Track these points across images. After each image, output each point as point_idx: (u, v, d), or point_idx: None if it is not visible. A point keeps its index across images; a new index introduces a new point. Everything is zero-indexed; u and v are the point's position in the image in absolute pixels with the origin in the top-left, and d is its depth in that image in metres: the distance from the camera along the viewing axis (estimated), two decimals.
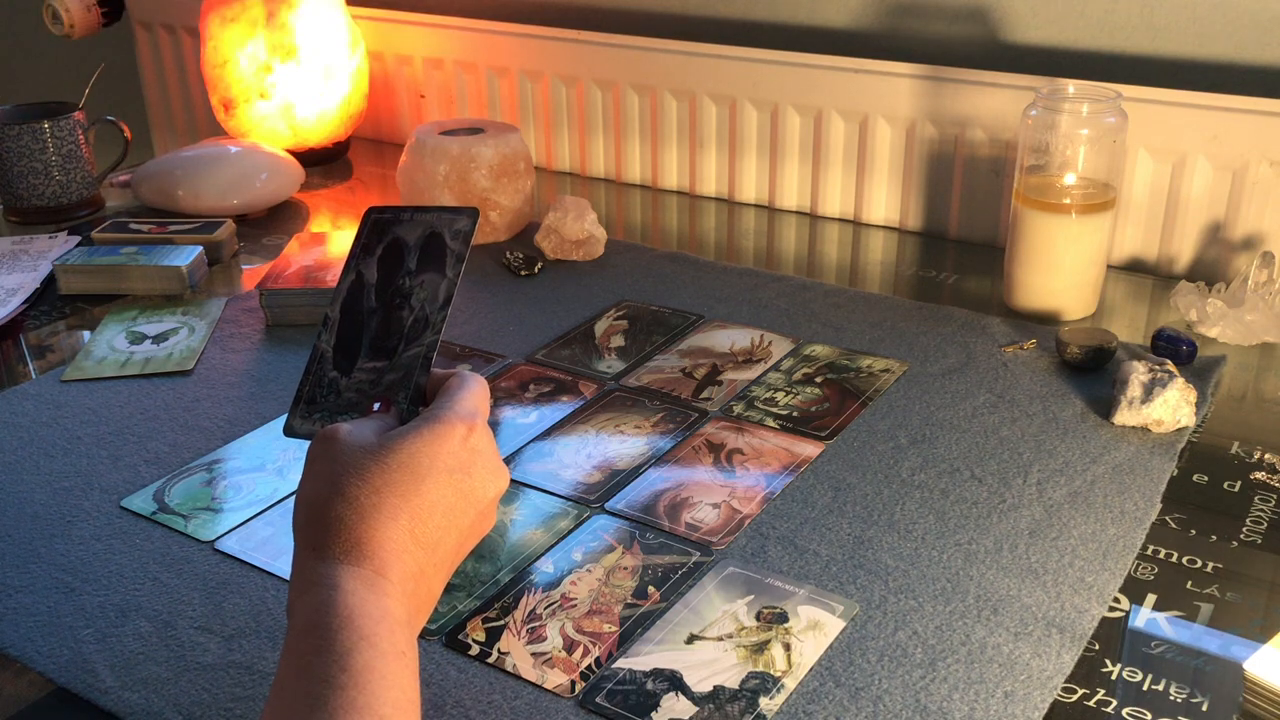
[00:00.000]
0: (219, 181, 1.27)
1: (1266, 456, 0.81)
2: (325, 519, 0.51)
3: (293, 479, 0.79)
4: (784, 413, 0.86)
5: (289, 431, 0.60)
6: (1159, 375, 0.82)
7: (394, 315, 0.61)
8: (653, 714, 0.58)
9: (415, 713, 0.48)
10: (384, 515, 0.51)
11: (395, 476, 0.52)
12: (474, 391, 0.57)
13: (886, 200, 1.25)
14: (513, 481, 0.79)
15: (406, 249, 0.63)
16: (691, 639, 0.64)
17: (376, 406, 0.58)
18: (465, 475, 0.54)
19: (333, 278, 1.03)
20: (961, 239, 1.22)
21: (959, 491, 0.77)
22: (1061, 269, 0.99)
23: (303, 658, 0.47)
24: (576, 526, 0.74)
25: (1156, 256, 1.12)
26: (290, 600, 0.50)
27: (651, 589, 0.68)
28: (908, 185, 1.23)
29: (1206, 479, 0.78)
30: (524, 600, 0.67)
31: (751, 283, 1.09)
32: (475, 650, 0.63)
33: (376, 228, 0.65)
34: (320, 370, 0.61)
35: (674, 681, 0.60)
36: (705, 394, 0.89)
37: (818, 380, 0.91)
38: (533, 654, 0.63)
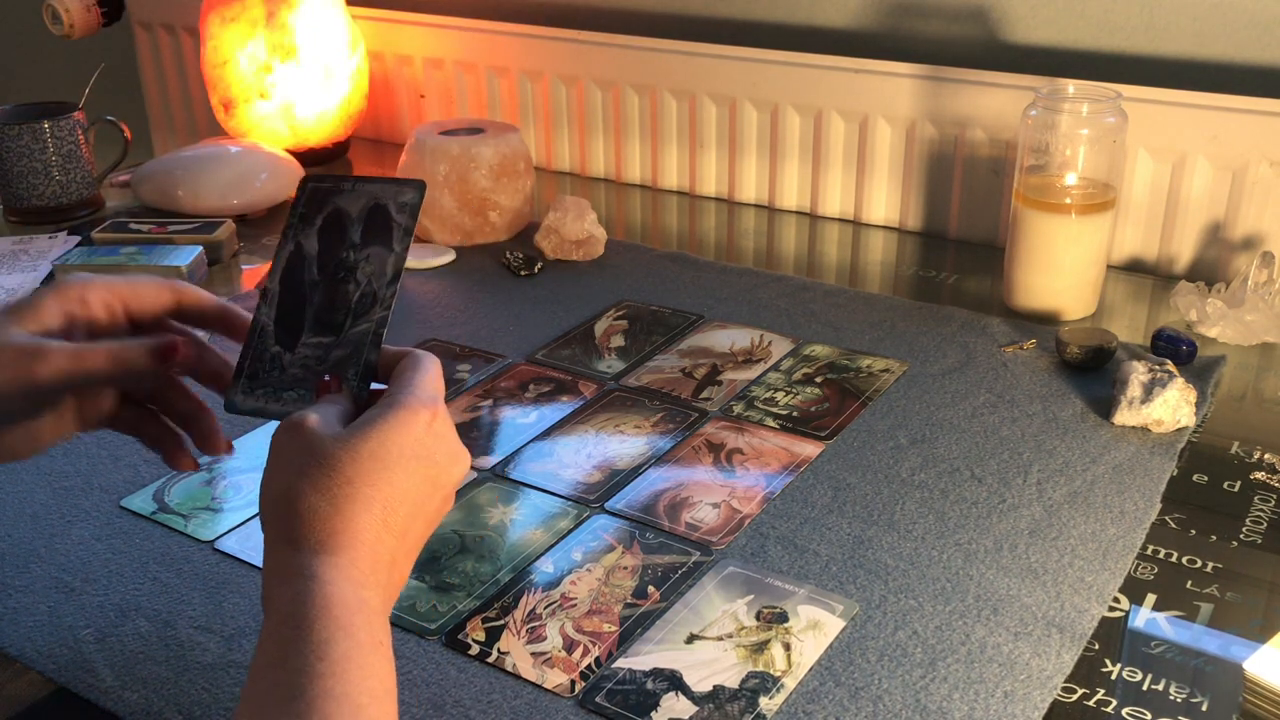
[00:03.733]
0: (219, 181, 1.27)
1: (1266, 456, 0.81)
2: (298, 510, 0.51)
3: None
4: (784, 413, 0.86)
5: (230, 408, 0.58)
6: (1159, 375, 0.82)
7: (339, 289, 0.59)
8: (653, 714, 0.58)
9: (391, 701, 0.48)
10: (358, 505, 0.51)
11: (366, 465, 0.51)
12: (431, 374, 0.57)
13: (886, 200, 1.25)
14: (513, 481, 0.79)
15: (349, 220, 0.61)
16: (691, 639, 0.64)
17: (326, 378, 0.57)
18: (431, 462, 0.54)
19: None
20: (961, 239, 1.22)
21: (959, 491, 0.77)
22: (1061, 269, 0.99)
23: (280, 648, 0.47)
24: (576, 526, 0.74)
25: (1156, 256, 1.12)
26: (265, 592, 0.50)
27: (651, 589, 0.68)
28: (908, 185, 1.23)
29: (1206, 479, 0.78)
30: (524, 600, 0.67)
31: (751, 283, 1.09)
32: (475, 650, 0.63)
33: (315, 196, 0.62)
34: (261, 344, 0.59)
35: (674, 681, 0.60)
36: (705, 394, 0.89)
37: (818, 380, 0.91)
38: (532, 654, 0.63)
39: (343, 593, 0.48)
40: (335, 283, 0.60)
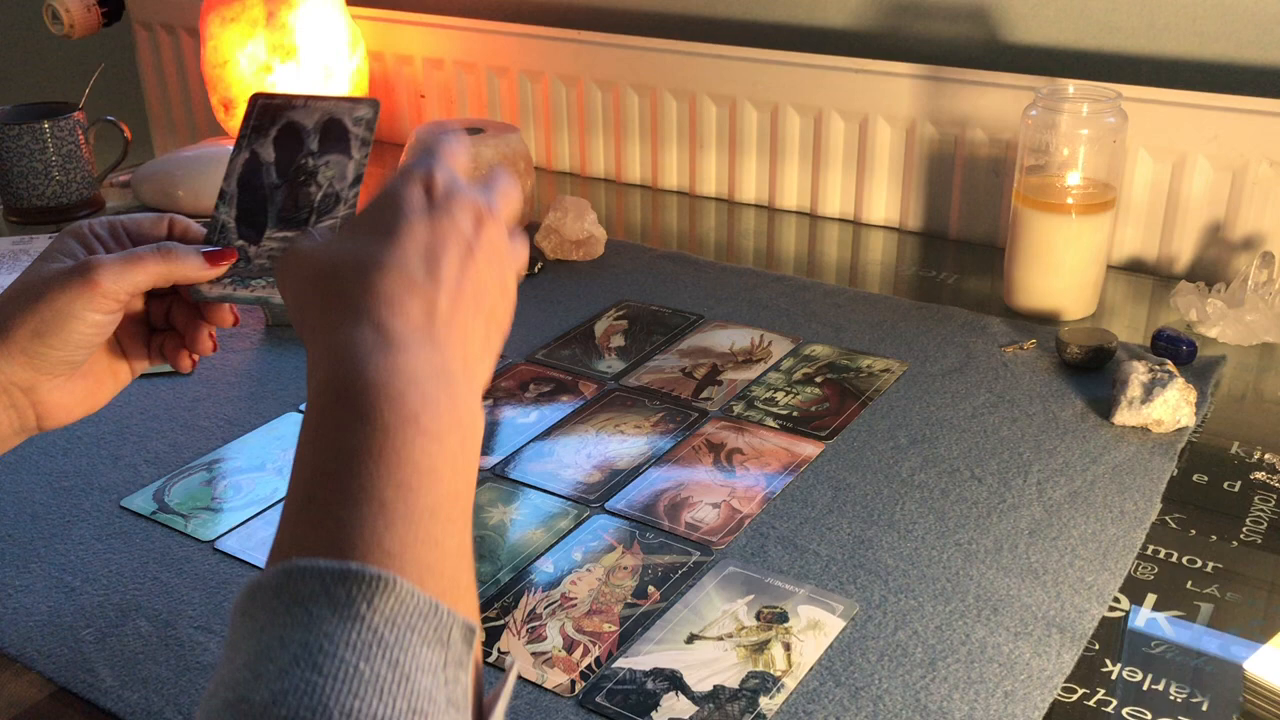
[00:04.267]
0: (219, 181, 1.27)
1: (1266, 456, 0.81)
2: (316, 297, 0.47)
3: None
4: (784, 413, 0.86)
5: (196, 296, 0.60)
6: (1159, 375, 0.82)
7: (301, 191, 0.63)
8: (653, 714, 0.58)
9: (443, 483, 0.41)
10: (369, 267, 0.46)
11: (367, 233, 0.48)
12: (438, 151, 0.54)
13: (886, 200, 1.25)
14: (513, 481, 0.79)
15: (305, 132, 0.64)
16: (691, 639, 0.64)
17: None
18: (443, 212, 0.49)
19: None
20: (961, 239, 1.22)
21: (959, 491, 0.77)
22: (1061, 269, 0.99)
23: (304, 450, 0.42)
24: (576, 526, 0.74)
25: (1156, 256, 1.12)
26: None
27: (651, 589, 0.68)
28: (908, 185, 1.23)
29: (1206, 479, 0.78)
30: (524, 600, 0.67)
31: (751, 283, 1.09)
32: None
33: (266, 112, 0.65)
34: (223, 239, 0.62)
35: (674, 681, 0.60)
36: (705, 394, 0.89)
37: (818, 380, 0.91)
38: (533, 654, 0.63)
39: (363, 369, 0.43)
40: (297, 185, 0.63)
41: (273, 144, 0.64)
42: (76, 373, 0.59)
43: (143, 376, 0.93)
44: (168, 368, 0.95)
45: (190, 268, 0.59)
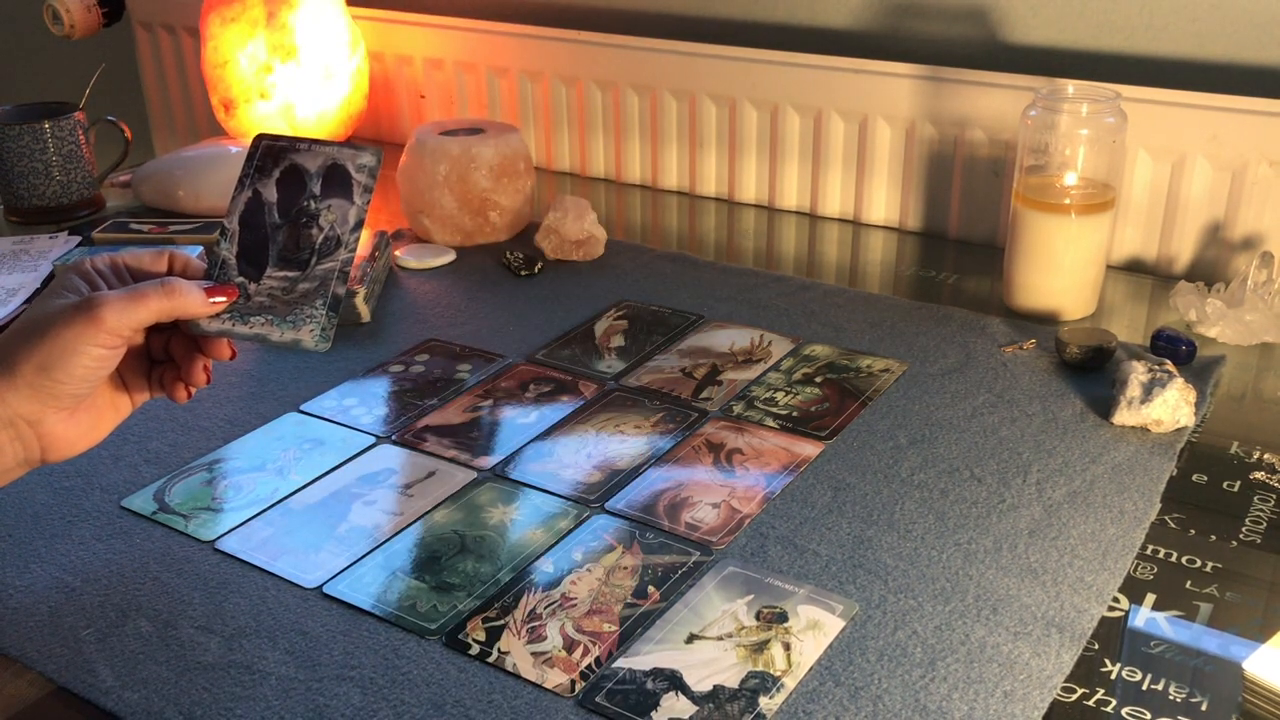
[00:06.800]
0: (219, 181, 1.28)
1: (1266, 456, 0.81)
2: None
3: (293, 479, 0.80)
4: (784, 413, 0.86)
5: (195, 329, 0.63)
6: (1158, 375, 0.82)
7: (303, 232, 0.65)
8: (653, 714, 0.58)
9: None
10: None
11: None
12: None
13: (886, 200, 1.25)
14: (513, 481, 0.79)
15: (308, 175, 0.66)
16: (691, 638, 0.64)
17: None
18: None
19: None
20: (961, 239, 1.22)
21: (959, 491, 0.77)
22: (1061, 269, 0.99)
23: None
24: (576, 526, 0.74)
25: (1156, 256, 1.12)
26: None
27: (651, 588, 0.68)
28: (908, 185, 1.23)
29: (1206, 479, 0.78)
30: (524, 600, 0.67)
31: (751, 283, 1.09)
32: (475, 650, 0.63)
33: (269, 152, 0.67)
34: (223, 275, 0.65)
35: (674, 681, 0.60)
36: (705, 394, 0.90)
37: (818, 380, 0.91)
38: (533, 653, 0.63)
39: None
40: (298, 226, 0.65)
41: (275, 185, 0.66)
42: (80, 406, 0.62)
43: None
44: None
45: (193, 303, 0.62)
